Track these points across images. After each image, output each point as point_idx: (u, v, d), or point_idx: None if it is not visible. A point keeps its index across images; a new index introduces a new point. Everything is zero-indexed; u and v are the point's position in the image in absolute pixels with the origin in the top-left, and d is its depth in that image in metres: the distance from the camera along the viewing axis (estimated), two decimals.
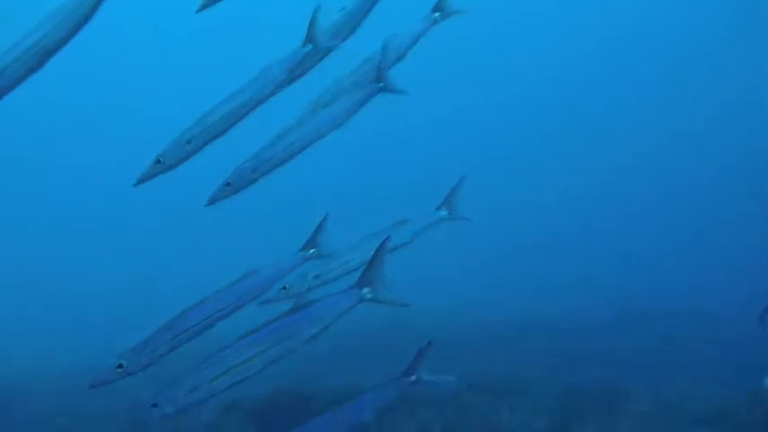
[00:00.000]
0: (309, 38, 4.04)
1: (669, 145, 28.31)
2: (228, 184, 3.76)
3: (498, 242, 22.17)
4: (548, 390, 10.43)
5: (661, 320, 15.05)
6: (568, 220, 24.60)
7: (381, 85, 4.12)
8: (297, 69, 4.01)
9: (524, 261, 20.73)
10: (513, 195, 26.08)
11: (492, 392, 10.48)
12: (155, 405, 3.39)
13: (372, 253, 3.57)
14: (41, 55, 3.22)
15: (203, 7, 3.70)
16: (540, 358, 12.70)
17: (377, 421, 8.85)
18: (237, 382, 3.44)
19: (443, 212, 4.77)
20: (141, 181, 3.60)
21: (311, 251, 4.03)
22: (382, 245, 3.56)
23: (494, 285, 18.69)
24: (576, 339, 13.94)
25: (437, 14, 4.45)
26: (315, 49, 4.07)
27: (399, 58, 4.33)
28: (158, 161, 3.62)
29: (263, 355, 3.38)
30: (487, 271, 19.75)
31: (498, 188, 23.70)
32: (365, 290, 3.58)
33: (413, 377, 3.72)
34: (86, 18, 3.25)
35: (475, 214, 4.79)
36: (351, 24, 4.26)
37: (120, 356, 3.61)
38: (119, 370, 3.59)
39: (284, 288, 4.03)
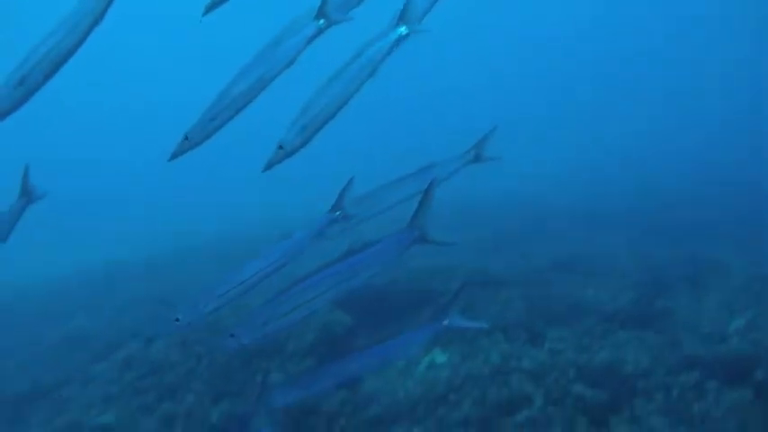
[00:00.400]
0: (321, 12, 3.98)
1: None
2: (187, 137, 3.84)
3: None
4: (634, 265, 10.41)
5: (750, 193, 14.51)
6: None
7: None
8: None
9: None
10: None
11: (576, 270, 10.56)
12: (232, 335, 3.77)
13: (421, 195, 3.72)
14: (58, 61, 3.38)
15: (209, 10, 3.85)
16: (625, 233, 12.62)
17: (465, 302, 9.14)
18: (306, 316, 3.84)
19: (472, 154, 4.67)
20: (174, 157, 3.78)
21: (338, 213, 4.13)
22: (430, 188, 3.76)
23: (572, 172, 18.54)
24: (662, 214, 13.67)
25: None
26: (327, 23, 4.02)
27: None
28: (186, 138, 3.78)
29: (327, 294, 3.76)
30: (563, 163, 19.58)
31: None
32: (416, 232, 3.84)
33: (446, 321, 3.94)
34: (98, 21, 3.33)
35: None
36: None
37: (178, 311, 4.05)
38: (176, 323, 4.07)
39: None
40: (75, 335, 11.78)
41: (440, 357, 7.87)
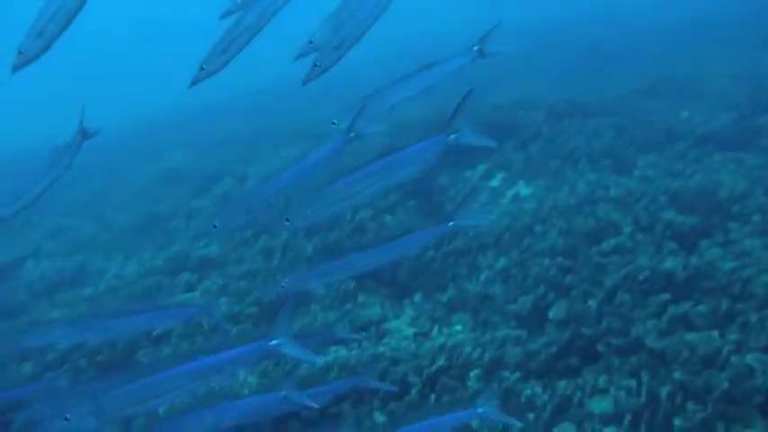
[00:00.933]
0: None
1: None
2: (203, 68, 4.03)
3: None
4: (735, 85, 9.69)
5: None
6: None
7: None
8: None
9: None
10: None
11: (669, 94, 9.98)
12: (287, 220, 4.05)
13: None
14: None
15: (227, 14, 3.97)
16: (730, 48, 11.63)
17: (550, 128, 8.90)
18: (348, 208, 4.11)
19: (476, 48, 4.27)
20: (193, 84, 3.98)
21: (352, 134, 4.23)
22: (467, 94, 3.76)
23: None
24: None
25: None
26: None
27: None
28: (202, 68, 3.99)
29: (366, 191, 3.97)
30: None
31: None
32: (452, 135, 3.88)
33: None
34: None
35: None
36: None
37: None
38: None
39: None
40: (175, 170, 12.51)
41: (524, 190, 7.85)
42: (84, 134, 4.24)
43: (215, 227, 4.44)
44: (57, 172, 4.14)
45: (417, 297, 6.51)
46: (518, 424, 4.13)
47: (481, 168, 8.46)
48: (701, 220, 6.23)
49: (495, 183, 8.18)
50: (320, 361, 3.57)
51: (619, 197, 6.80)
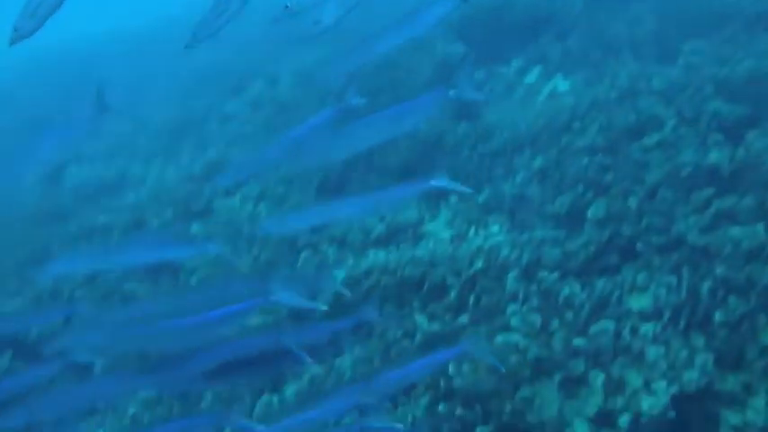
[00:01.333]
0: None
1: None
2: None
3: None
4: None
5: None
6: None
7: None
8: None
9: None
10: None
11: None
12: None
13: None
14: None
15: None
16: None
17: (589, 17, 8.44)
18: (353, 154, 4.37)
19: None
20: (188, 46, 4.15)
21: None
22: (466, 55, 4.14)
23: None
24: None
25: None
26: None
27: None
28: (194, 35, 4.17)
29: (372, 139, 4.15)
30: None
31: None
32: (451, 91, 4.03)
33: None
34: None
35: None
36: None
37: None
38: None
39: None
40: (206, 70, 12.34)
41: (562, 84, 7.57)
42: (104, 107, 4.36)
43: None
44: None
45: (453, 198, 6.48)
46: (500, 366, 4.15)
47: (516, 63, 8.15)
48: (749, 110, 5.96)
49: (531, 78, 7.89)
50: (323, 306, 3.61)
51: (662, 89, 6.50)
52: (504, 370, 4.26)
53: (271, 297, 3.42)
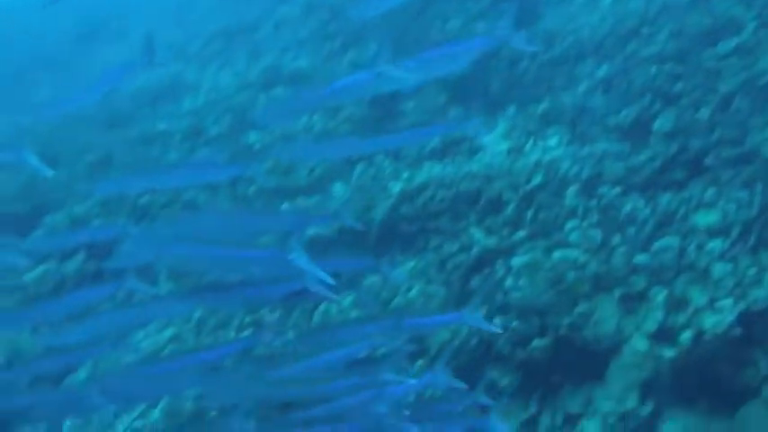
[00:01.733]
0: None
1: None
2: None
3: None
4: None
5: None
6: None
7: None
8: None
9: None
10: None
11: None
12: None
13: None
14: None
15: None
16: None
17: None
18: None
19: None
20: None
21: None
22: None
23: None
24: None
25: None
26: None
27: None
28: None
29: (415, 77, 3.85)
30: None
31: None
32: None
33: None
34: None
35: None
36: None
37: None
38: None
39: None
40: None
41: None
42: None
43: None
44: None
45: (511, 110, 6.27)
46: (499, 330, 3.94)
47: None
48: None
49: None
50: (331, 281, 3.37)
51: None
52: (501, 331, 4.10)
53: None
